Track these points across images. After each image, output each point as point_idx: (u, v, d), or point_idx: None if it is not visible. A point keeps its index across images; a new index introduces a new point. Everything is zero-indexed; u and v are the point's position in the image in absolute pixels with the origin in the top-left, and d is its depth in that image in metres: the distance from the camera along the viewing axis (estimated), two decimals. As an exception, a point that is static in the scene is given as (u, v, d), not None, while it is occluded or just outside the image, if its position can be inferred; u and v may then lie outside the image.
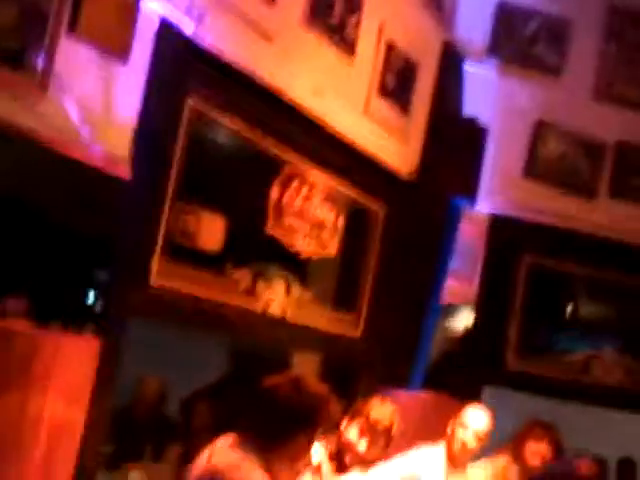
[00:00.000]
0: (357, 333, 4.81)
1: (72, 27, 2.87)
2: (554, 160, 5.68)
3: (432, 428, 4.37)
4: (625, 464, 7.18)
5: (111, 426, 3.51)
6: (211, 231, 3.67)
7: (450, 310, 5.83)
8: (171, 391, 5.06)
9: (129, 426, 4.63)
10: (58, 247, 3.10)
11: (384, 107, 4.74)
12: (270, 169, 4.02)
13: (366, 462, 3.71)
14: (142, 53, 3.18)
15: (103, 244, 3.19)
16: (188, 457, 4.50)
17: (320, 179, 4.32)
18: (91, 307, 3.34)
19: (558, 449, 4.64)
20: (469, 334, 5.69)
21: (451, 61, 5.32)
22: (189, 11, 3.30)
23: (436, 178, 5.13)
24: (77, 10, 2.88)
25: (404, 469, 4.04)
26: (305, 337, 4.47)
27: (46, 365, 2.89)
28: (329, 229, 4.43)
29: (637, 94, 5.77)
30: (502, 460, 4.54)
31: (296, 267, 4.24)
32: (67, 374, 3.01)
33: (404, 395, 4.88)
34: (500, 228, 5.63)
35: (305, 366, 5.08)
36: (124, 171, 3.13)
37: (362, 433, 3.61)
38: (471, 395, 5.03)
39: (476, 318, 5.66)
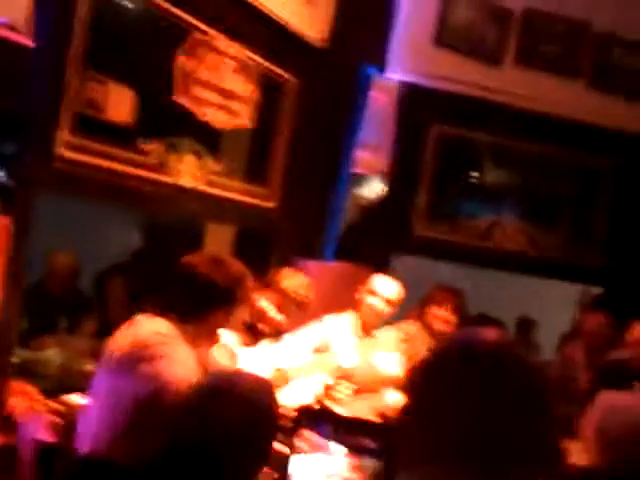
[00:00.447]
0: (270, 204, 4.81)
1: None
2: (463, 27, 5.65)
3: (343, 297, 4.44)
4: (523, 322, 7.63)
5: (25, 302, 3.47)
6: (119, 102, 3.55)
7: (361, 180, 5.88)
8: (84, 266, 5.02)
9: (43, 301, 4.61)
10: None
11: (295, -27, 4.60)
12: (177, 36, 3.88)
13: (278, 331, 3.81)
14: None
15: (8, 117, 3.06)
16: (103, 330, 4.54)
17: (229, 48, 4.20)
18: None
19: (460, 313, 4.84)
20: (379, 203, 5.77)
21: None
22: None
23: (347, 46, 5.05)
24: None
25: (315, 336, 4.15)
26: (218, 209, 4.45)
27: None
28: (241, 100, 4.35)
29: (546, -40, 5.75)
30: (410, 325, 4.70)
31: (208, 139, 4.17)
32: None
33: (316, 265, 4.96)
34: (410, 96, 5.62)
35: (218, 238, 5.09)
36: (25, 39, 2.98)
37: (275, 303, 3.69)
38: (381, 263, 5.16)
39: (387, 186, 5.73)
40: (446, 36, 5.60)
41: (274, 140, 4.82)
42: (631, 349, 4.25)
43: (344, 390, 3.81)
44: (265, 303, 3.69)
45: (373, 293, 4.27)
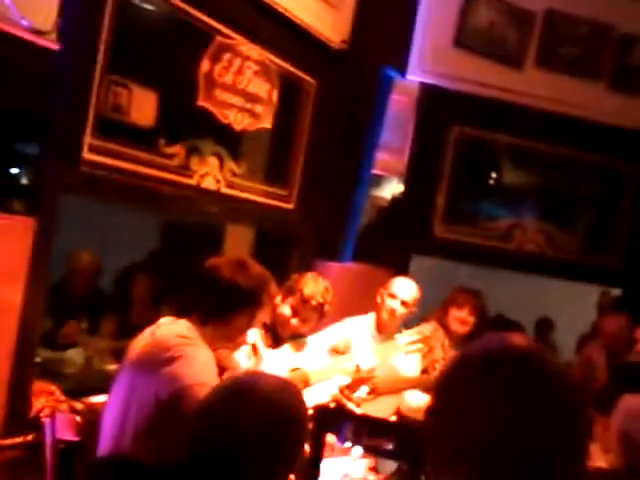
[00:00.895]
0: (290, 206, 4.83)
1: None
2: (484, 29, 5.65)
3: (363, 299, 4.46)
4: (542, 323, 7.62)
5: (48, 303, 3.51)
6: (143, 105, 3.58)
7: (380, 181, 5.90)
8: (105, 265, 5.06)
9: (65, 302, 4.64)
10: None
11: (315, -25, 4.62)
12: (201, 41, 3.91)
13: (299, 335, 3.83)
14: None
15: (34, 120, 3.10)
16: (125, 331, 4.58)
17: (252, 51, 4.23)
18: (22, 185, 3.28)
19: (480, 315, 4.85)
20: (398, 204, 5.78)
21: None
22: None
23: (367, 48, 5.05)
24: None
25: (336, 337, 4.16)
26: (238, 211, 4.48)
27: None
28: (262, 102, 4.37)
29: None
30: (429, 327, 4.70)
31: (229, 141, 4.20)
32: (2, 255, 2.99)
33: (336, 267, 4.98)
34: (429, 98, 5.63)
35: (238, 239, 5.12)
36: (52, 43, 3.01)
37: (296, 309, 3.71)
38: (400, 264, 5.17)
39: (405, 188, 5.75)
40: (466, 38, 5.59)
41: (294, 142, 4.84)
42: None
43: (362, 391, 3.82)
44: (286, 309, 3.70)
45: (392, 295, 4.28)
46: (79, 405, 3.35)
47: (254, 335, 3.46)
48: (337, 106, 4.97)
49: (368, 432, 3.27)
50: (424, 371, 4.35)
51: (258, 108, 4.34)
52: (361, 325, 4.30)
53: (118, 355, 4.15)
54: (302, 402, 2.10)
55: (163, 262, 5.48)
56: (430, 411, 1.38)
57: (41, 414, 3.12)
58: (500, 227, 5.99)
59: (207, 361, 2.58)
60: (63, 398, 3.34)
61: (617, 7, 5.75)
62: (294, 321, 3.70)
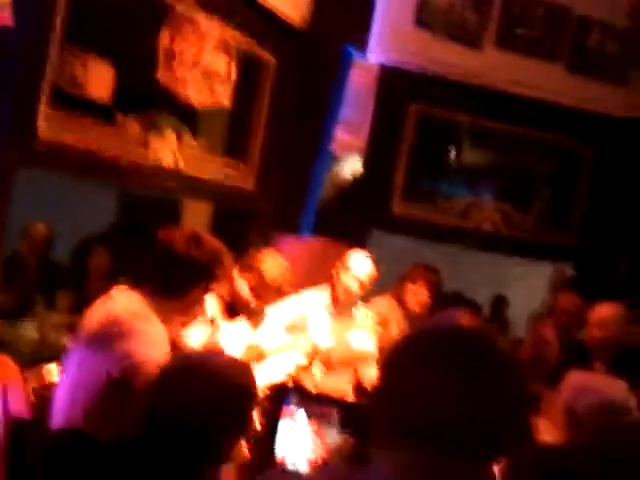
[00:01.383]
0: (249, 182, 4.84)
1: None
2: (443, 9, 5.67)
3: (321, 272, 4.47)
4: (498, 300, 7.73)
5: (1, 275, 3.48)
6: (100, 79, 3.55)
7: (339, 159, 5.91)
8: (62, 239, 5.01)
9: (19, 274, 4.60)
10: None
11: (277, -49, 4.60)
12: (159, 14, 3.87)
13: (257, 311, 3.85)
14: None
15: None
16: (81, 304, 4.55)
17: (211, 27, 4.20)
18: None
19: (436, 291, 4.89)
20: (357, 181, 5.80)
21: None
22: None
23: (328, 27, 5.06)
24: None
25: (293, 311, 4.18)
26: (197, 187, 4.47)
27: None
28: (221, 79, 4.35)
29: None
30: (385, 301, 4.75)
31: (188, 117, 4.18)
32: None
33: (293, 241, 4.99)
34: (389, 77, 5.65)
35: (196, 214, 5.11)
36: (6, 17, 2.97)
37: (255, 290, 3.72)
38: (359, 240, 5.20)
39: (365, 166, 5.77)
40: (426, 18, 5.61)
41: (253, 119, 4.83)
42: (591, 330, 4.33)
43: (318, 370, 3.85)
44: (245, 289, 3.72)
45: (347, 270, 4.30)
46: (32, 378, 3.32)
47: (212, 307, 3.47)
48: (297, 84, 4.97)
49: (314, 400, 3.30)
50: (380, 349, 4.39)
51: (217, 84, 4.32)
52: (317, 299, 4.31)
53: (73, 329, 4.14)
54: (250, 376, 2.15)
55: (120, 236, 5.45)
56: (378, 390, 1.41)
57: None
58: (458, 205, 6.05)
59: (159, 337, 2.56)
60: (16, 368, 3.32)
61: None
62: (253, 300, 3.72)
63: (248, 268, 3.74)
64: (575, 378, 2.82)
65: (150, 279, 2.68)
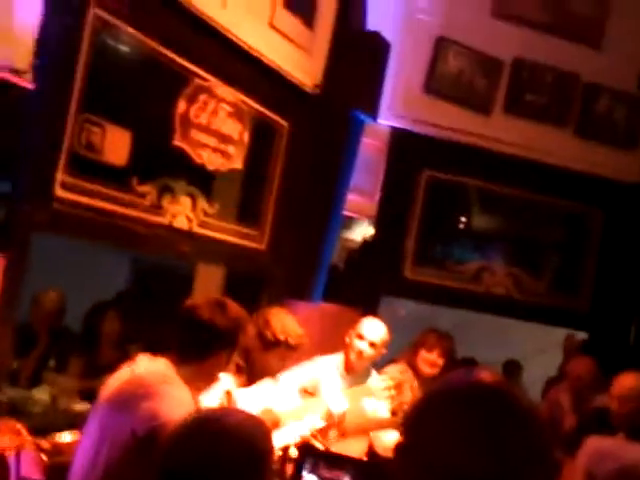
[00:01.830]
0: (261, 246, 4.86)
1: None
2: (453, 76, 5.78)
3: (332, 339, 4.47)
4: (510, 365, 7.65)
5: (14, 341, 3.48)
6: (116, 144, 3.60)
7: (351, 223, 5.95)
8: (74, 304, 5.01)
9: (30, 345, 4.59)
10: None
11: (289, 20, 4.70)
12: (176, 82, 3.96)
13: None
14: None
15: (6, 157, 3.11)
16: (92, 369, 4.54)
17: (227, 93, 4.28)
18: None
19: (449, 357, 4.87)
20: (368, 246, 5.83)
21: (355, -25, 5.28)
22: None
23: (339, 92, 5.13)
24: None
25: (306, 376, 4.16)
26: (210, 250, 4.50)
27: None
28: (235, 143, 4.42)
29: (534, 12, 5.90)
30: (398, 368, 4.71)
31: (202, 181, 4.23)
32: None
33: (305, 307, 4.98)
34: (400, 142, 5.73)
35: (209, 282, 5.12)
36: (27, 81, 3.04)
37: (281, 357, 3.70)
38: (370, 305, 5.19)
39: (376, 230, 5.81)
40: (436, 84, 5.71)
41: (266, 183, 4.88)
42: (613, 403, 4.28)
43: (331, 434, 3.81)
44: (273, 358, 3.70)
45: (360, 336, 4.29)
46: (45, 444, 3.32)
47: (227, 381, 3.45)
48: (309, 148, 5.03)
49: (326, 464, 3.26)
50: (393, 413, 4.34)
51: (230, 149, 4.39)
52: (330, 365, 4.30)
53: (85, 395, 4.12)
54: (267, 434, 2.12)
55: (132, 301, 5.45)
56: (400, 447, 1.39)
57: (6, 452, 3.08)
58: (469, 270, 6.06)
59: (185, 400, 2.57)
60: (29, 436, 3.31)
61: (583, 57, 5.91)
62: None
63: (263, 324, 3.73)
64: (594, 444, 2.80)
65: (173, 344, 2.71)
